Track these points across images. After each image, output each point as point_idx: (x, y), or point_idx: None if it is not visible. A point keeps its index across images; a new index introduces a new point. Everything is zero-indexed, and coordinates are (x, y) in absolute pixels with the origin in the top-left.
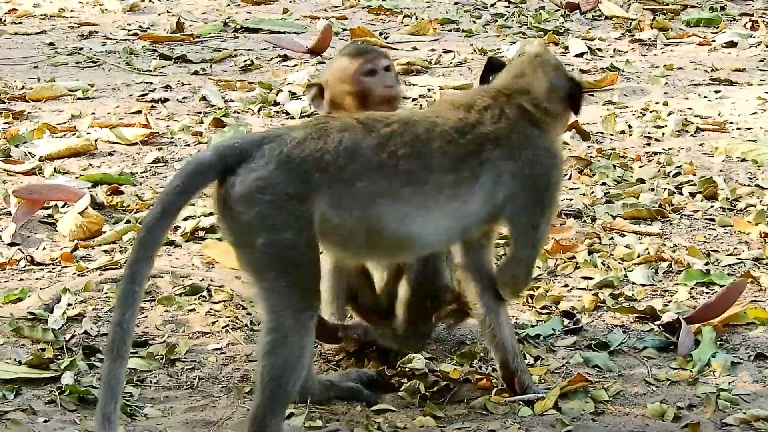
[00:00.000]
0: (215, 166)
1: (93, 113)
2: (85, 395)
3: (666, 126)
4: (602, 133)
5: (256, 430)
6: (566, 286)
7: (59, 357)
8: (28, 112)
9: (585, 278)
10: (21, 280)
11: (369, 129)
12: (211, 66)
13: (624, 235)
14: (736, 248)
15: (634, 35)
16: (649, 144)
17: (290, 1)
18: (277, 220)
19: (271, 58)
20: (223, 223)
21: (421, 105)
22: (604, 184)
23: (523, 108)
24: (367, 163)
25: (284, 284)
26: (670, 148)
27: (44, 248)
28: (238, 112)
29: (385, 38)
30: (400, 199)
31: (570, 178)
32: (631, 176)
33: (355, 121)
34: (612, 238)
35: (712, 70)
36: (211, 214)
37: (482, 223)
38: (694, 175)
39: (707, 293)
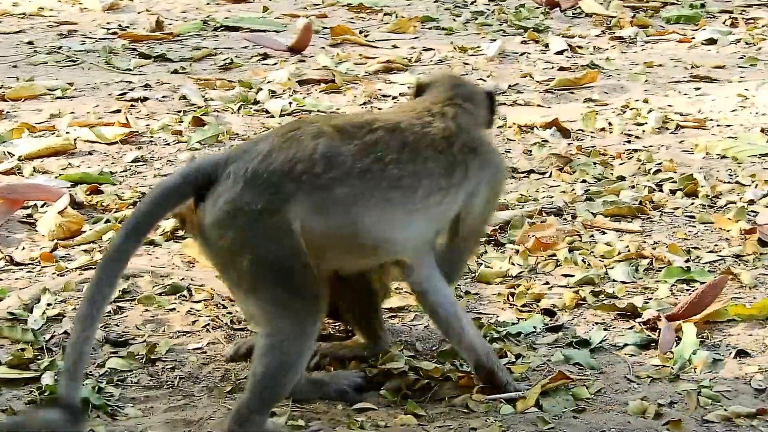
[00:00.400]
0: (181, 190)
1: (72, 112)
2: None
3: (646, 123)
4: (582, 130)
5: (239, 429)
6: (547, 283)
7: (39, 357)
8: (7, 112)
9: (566, 276)
10: (0, 280)
11: (349, 135)
12: (190, 64)
13: (604, 233)
14: (716, 245)
15: (614, 32)
16: (629, 141)
17: (270, 0)
18: (257, 238)
19: (251, 57)
20: (202, 247)
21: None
22: (584, 181)
23: (477, 117)
24: (348, 168)
25: (282, 293)
26: (651, 146)
27: (23, 248)
28: (218, 111)
29: (366, 36)
30: (386, 204)
31: (550, 176)
32: (612, 174)
33: (330, 128)
34: (592, 235)
35: (692, 67)
36: None
37: (447, 225)
38: (675, 172)
39: (688, 290)
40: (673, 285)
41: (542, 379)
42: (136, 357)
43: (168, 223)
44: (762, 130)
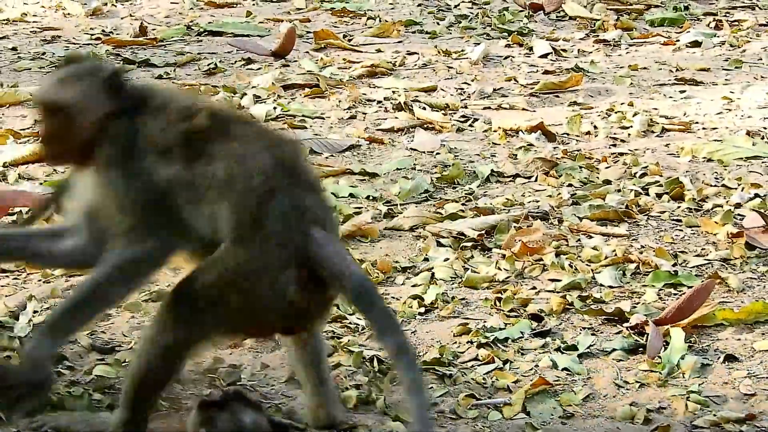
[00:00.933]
0: None
1: None
2: (53, 403)
3: (631, 127)
4: (568, 134)
5: None
6: (534, 288)
7: None
8: None
9: (553, 280)
10: None
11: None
12: (174, 70)
13: (591, 237)
14: (703, 249)
15: (598, 36)
16: (614, 145)
17: (253, 4)
18: None
19: (235, 62)
20: None
21: (386, 108)
22: (570, 185)
23: None
24: None
25: None
26: (636, 149)
27: None
28: None
29: (349, 40)
30: None
31: (536, 180)
32: (598, 177)
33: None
34: (579, 239)
35: (677, 70)
36: None
37: None
38: (661, 175)
39: (675, 294)
40: (661, 289)
41: (527, 385)
42: (123, 364)
43: None
44: (748, 133)
